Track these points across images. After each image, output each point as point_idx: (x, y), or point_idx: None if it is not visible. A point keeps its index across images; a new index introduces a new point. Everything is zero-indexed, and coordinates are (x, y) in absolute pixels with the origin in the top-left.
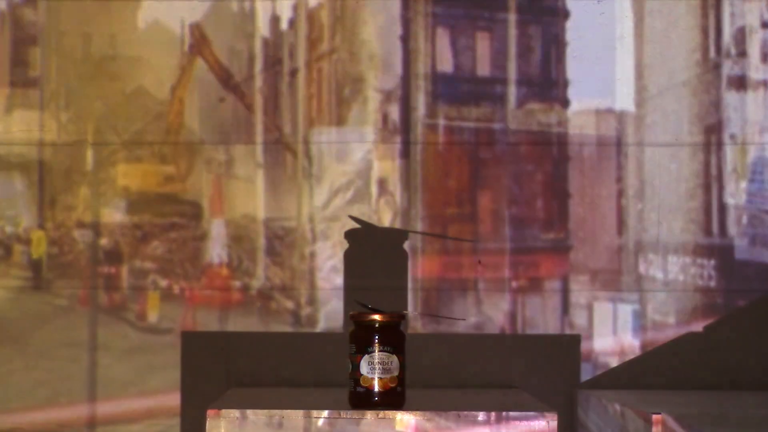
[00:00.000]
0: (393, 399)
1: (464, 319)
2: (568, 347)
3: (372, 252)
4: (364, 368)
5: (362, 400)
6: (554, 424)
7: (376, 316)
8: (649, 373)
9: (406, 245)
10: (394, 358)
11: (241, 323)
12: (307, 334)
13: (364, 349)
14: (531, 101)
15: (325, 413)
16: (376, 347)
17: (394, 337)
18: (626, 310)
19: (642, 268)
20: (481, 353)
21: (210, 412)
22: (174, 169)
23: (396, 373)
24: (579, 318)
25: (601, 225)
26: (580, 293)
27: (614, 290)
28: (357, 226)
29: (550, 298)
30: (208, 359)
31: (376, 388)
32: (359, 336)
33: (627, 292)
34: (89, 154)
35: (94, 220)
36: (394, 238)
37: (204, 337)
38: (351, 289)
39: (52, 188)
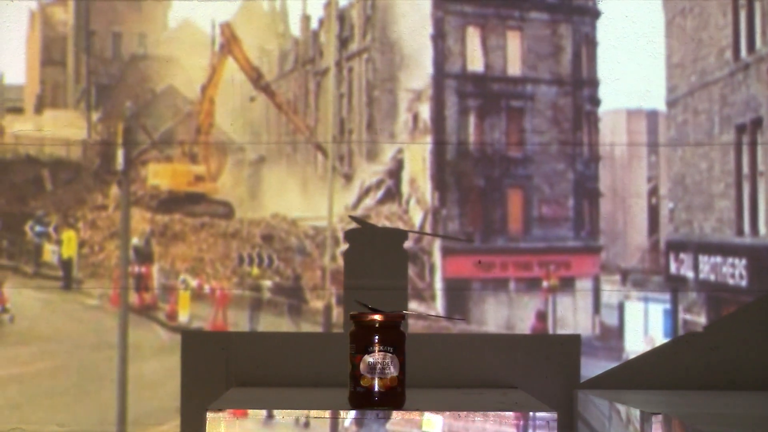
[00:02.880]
0: (393, 399)
1: (464, 319)
2: (568, 347)
3: (372, 252)
4: (364, 368)
5: (362, 400)
6: (554, 424)
7: (376, 316)
8: (649, 373)
9: (438, 247)
10: (394, 358)
11: (271, 323)
12: (307, 334)
13: (364, 349)
14: (562, 100)
15: (353, 413)
16: (376, 347)
17: (394, 337)
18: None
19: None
20: (481, 353)
21: (236, 413)
22: (204, 168)
23: (396, 373)
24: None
25: (632, 224)
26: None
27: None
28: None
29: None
30: (208, 359)
31: (376, 388)
32: (359, 336)
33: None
34: (119, 154)
35: (124, 220)
36: (394, 238)
37: (204, 337)
38: (351, 289)
39: (83, 188)
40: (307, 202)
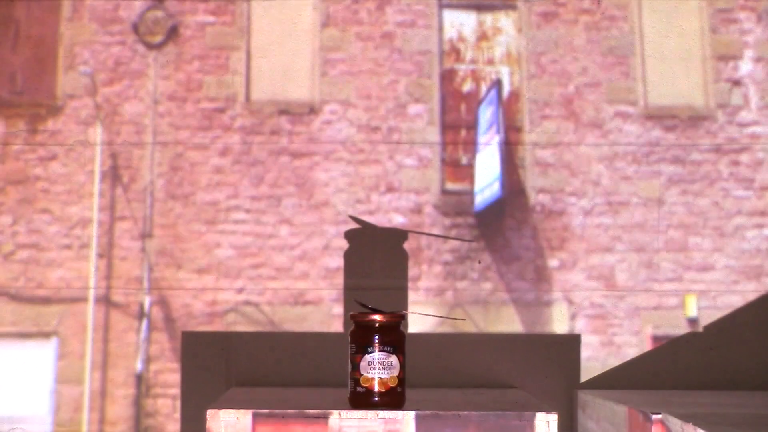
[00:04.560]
0: (393, 399)
1: (464, 320)
2: (568, 347)
3: (372, 252)
4: (364, 368)
5: (362, 400)
6: (554, 424)
7: (376, 316)
8: (649, 373)
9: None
10: (394, 358)
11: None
12: (307, 334)
13: (364, 349)
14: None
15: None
16: (376, 347)
17: (394, 337)
18: None
19: None
20: (481, 353)
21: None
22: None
23: (396, 373)
24: None
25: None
26: None
27: None
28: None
29: None
30: (208, 359)
31: (376, 388)
32: (359, 336)
33: None
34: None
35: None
36: (394, 238)
37: (204, 337)
38: (351, 289)
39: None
40: None
